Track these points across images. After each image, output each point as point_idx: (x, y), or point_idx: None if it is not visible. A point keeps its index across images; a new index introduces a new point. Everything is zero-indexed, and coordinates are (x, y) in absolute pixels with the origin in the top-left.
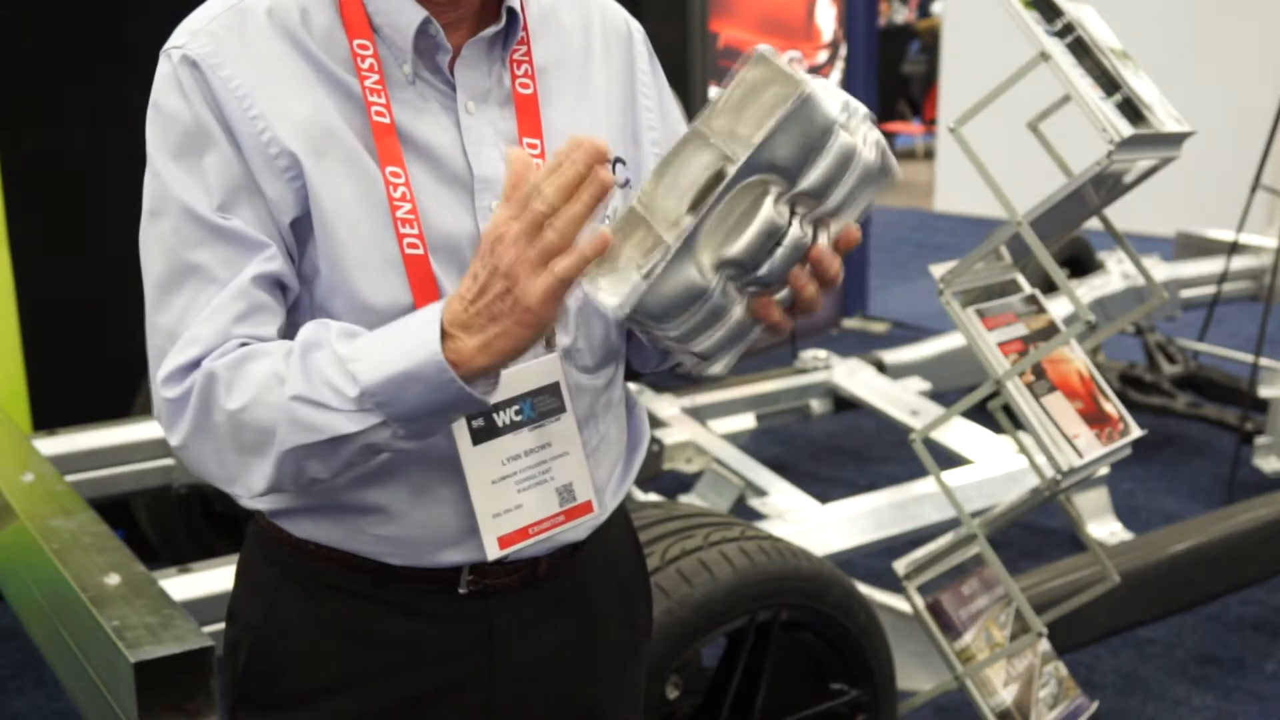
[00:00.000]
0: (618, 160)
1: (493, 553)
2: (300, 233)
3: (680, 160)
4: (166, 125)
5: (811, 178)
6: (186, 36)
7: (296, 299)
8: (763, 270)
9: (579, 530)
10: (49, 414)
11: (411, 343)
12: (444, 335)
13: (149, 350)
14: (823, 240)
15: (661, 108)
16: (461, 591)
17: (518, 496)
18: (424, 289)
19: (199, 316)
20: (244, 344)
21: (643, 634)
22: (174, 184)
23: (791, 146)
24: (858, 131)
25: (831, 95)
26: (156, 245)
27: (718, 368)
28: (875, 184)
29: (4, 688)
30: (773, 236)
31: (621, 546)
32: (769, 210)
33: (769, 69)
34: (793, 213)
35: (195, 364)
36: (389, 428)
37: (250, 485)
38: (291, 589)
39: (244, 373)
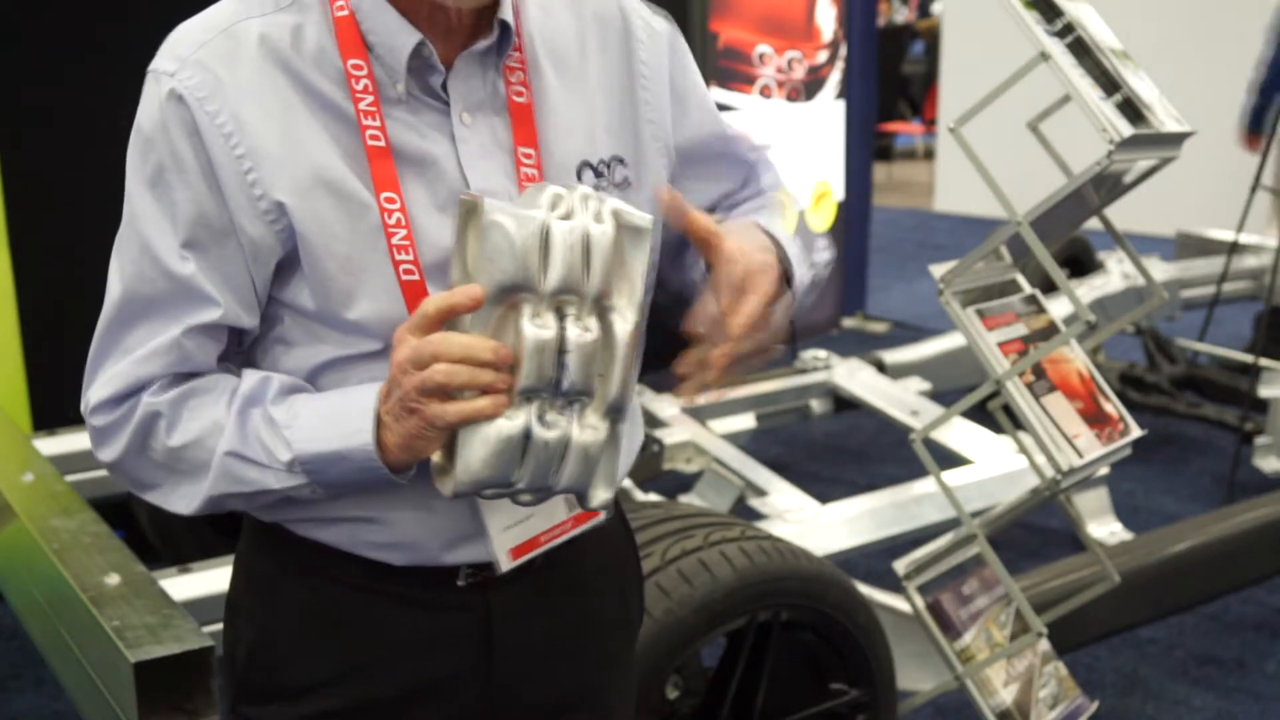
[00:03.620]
0: (614, 159)
1: (505, 565)
2: (287, 268)
3: None
4: (145, 151)
5: (552, 279)
6: (175, 64)
7: (292, 324)
8: (565, 384)
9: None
10: (49, 414)
11: (347, 427)
12: (378, 423)
13: (91, 351)
14: (618, 325)
15: (676, 92)
16: (460, 584)
17: (527, 509)
18: None
19: (134, 354)
20: (182, 374)
21: (635, 619)
22: (142, 214)
23: (502, 262)
24: (581, 212)
25: (539, 195)
26: (117, 263)
27: (602, 495)
28: (636, 246)
29: (4, 688)
30: (547, 350)
31: (615, 533)
32: (528, 328)
33: (464, 207)
34: (561, 316)
35: (121, 399)
36: (311, 488)
37: (176, 505)
38: (290, 582)
39: (187, 411)
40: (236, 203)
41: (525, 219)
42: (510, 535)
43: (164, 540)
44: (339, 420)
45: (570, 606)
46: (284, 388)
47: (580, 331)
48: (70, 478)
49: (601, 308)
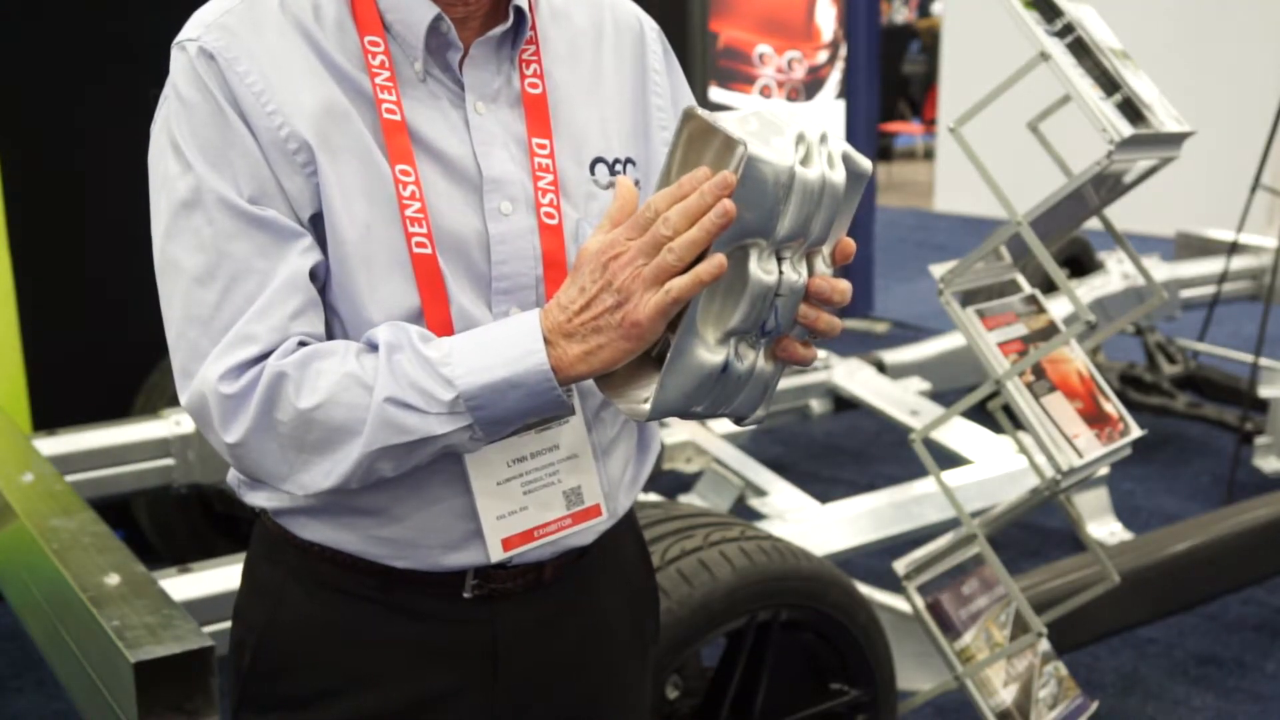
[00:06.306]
0: (627, 160)
1: (496, 554)
2: (318, 230)
3: None
4: (192, 117)
5: (786, 226)
6: (200, 29)
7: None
8: (769, 324)
9: (585, 535)
10: (49, 414)
11: (514, 351)
12: (545, 343)
13: (178, 344)
14: (819, 267)
15: (675, 106)
16: (466, 596)
17: (524, 498)
18: (431, 289)
19: (247, 312)
20: (303, 342)
21: (650, 639)
22: (207, 176)
23: (753, 209)
24: (818, 157)
25: (778, 137)
26: (189, 238)
27: (760, 413)
28: (854, 191)
29: (4, 688)
30: (768, 295)
31: (629, 551)
32: (756, 273)
33: (702, 126)
34: (780, 258)
35: (255, 361)
36: (471, 430)
37: (308, 483)
38: (295, 590)
39: (313, 371)
40: (274, 159)
41: (779, 168)
42: (503, 525)
43: (164, 540)
44: (501, 347)
45: (581, 629)
46: (421, 333)
47: (795, 277)
48: (70, 478)
49: (811, 252)
